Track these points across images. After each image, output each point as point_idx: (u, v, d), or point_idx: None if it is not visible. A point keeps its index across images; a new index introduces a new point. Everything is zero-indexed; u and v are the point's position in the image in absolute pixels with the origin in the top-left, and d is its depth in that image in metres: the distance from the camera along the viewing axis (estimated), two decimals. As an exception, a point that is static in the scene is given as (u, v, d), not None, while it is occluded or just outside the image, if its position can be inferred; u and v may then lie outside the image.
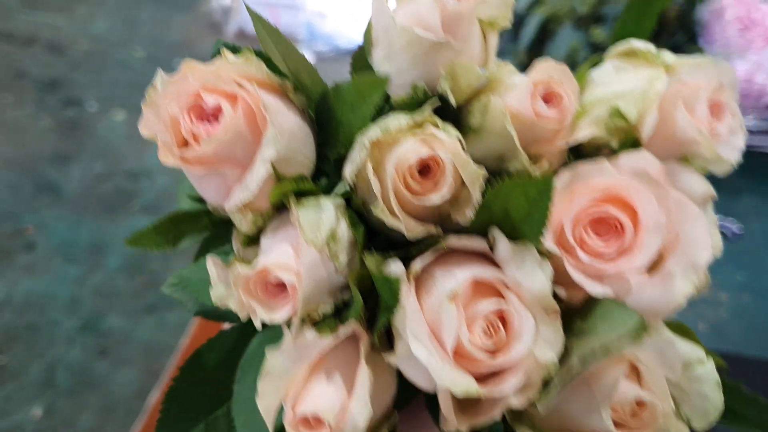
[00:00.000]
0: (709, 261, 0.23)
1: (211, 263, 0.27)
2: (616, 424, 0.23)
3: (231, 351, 0.38)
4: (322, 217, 0.25)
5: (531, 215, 0.21)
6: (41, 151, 1.21)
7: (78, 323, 1.00)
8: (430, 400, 0.39)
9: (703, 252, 0.23)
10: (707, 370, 0.24)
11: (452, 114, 0.28)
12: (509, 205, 0.22)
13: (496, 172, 0.27)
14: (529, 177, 0.20)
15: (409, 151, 0.23)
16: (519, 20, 1.20)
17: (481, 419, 0.23)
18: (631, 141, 0.26)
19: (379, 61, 0.28)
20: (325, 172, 0.29)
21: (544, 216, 0.21)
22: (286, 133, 0.25)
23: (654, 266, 0.24)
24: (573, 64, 1.14)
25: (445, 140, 0.23)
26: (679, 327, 0.25)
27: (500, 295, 0.22)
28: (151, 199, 1.16)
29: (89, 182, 1.18)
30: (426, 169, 0.24)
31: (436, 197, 0.23)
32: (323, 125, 0.28)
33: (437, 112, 0.26)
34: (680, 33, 1.18)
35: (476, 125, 0.27)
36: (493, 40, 0.28)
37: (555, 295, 0.23)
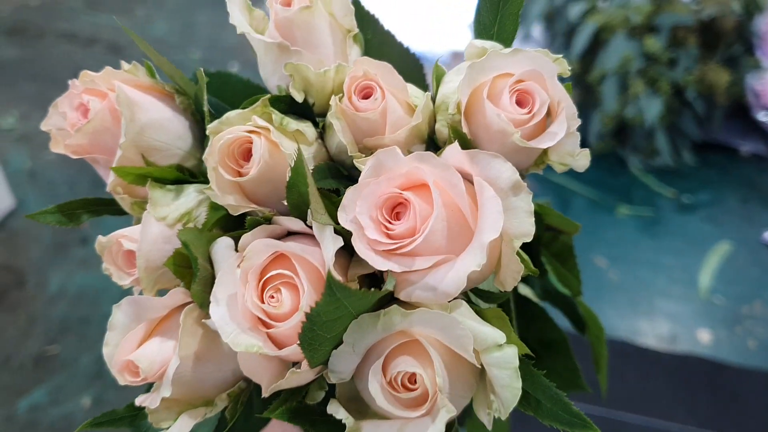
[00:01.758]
0: (491, 239, 0.24)
1: (98, 240, 0.32)
2: (394, 400, 0.25)
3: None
4: (180, 200, 0.30)
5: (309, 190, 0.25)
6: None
7: (127, 319, 1.08)
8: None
9: (490, 232, 0.24)
10: (505, 355, 0.24)
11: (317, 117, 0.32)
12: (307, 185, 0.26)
13: (352, 166, 0.30)
14: (298, 156, 0.24)
15: (225, 135, 0.27)
16: (571, 29, 1.19)
17: (286, 382, 0.26)
18: (459, 134, 0.28)
19: (260, 69, 0.33)
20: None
21: (305, 186, 0.24)
22: (153, 125, 0.30)
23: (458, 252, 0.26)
24: (626, 74, 1.12)
25: (263, 125, 0.27)
26: (494, 312, 0.26)
27: (293, 267, 0.25)
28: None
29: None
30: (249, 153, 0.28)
31: (252, 173, 0.27)
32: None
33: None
34: (738, 44, 1.16)
35: (328, 123, 0.30)
36: (354, 47, 0.32)
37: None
